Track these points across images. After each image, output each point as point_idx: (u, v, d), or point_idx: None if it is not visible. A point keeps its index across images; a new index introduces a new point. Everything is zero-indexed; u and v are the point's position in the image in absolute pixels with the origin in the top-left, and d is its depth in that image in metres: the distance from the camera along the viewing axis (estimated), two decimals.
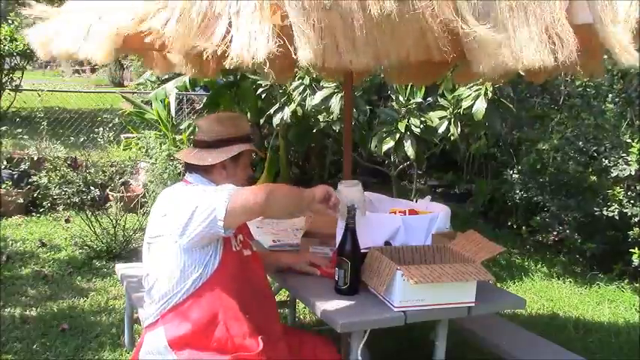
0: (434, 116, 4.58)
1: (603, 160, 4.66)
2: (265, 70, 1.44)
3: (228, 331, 1.90)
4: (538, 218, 5.06)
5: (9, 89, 6.12)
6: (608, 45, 1.71)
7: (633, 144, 4.47)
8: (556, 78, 5.33)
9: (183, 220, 1.84)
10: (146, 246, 2.01)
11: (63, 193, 4.64)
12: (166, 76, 6.39)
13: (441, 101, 4.61)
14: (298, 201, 1.94)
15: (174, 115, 6.24)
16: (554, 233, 4.98)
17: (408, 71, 2.96)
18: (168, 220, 1.90)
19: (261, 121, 5.96)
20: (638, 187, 4.49)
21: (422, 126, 4.47)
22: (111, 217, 4.66)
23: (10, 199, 5.60)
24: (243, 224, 2.20)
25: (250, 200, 1.81)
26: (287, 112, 5.26)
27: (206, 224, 1.82)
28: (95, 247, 4.59)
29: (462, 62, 2.94)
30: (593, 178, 4.77)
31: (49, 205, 4.83)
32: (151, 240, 1.98)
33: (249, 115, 5.85)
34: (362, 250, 2.12)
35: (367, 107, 5.15)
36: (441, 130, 4.54)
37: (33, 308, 3.64)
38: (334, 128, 5.16)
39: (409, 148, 4.41)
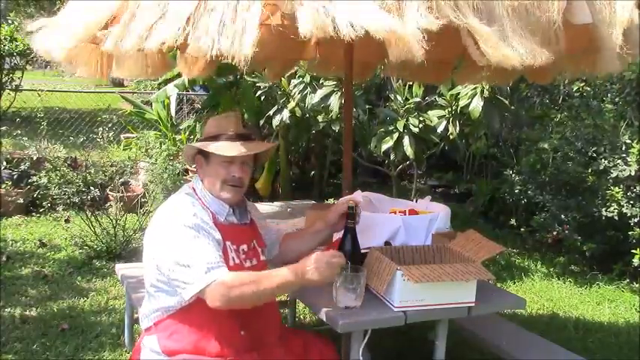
0: (433, 115, 4.58)
1: (602, 160, 4.65)
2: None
3: (221, 347, 1.90)
4: (538, 218, 5.05)
5: (9, 89, 6.11)
6: (604, 47, 1.71)
7: (633, 144, 4.46)
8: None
9: (162, 268, 1.88)
10: (144, 251, 1.99)
11: (63, 193, 4.63)
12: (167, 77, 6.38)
13: (440, 100, 4.61)
14: (286, 290, 2.15)
15: (174, 115, 6.24)
16: (554, 233, 4.98)
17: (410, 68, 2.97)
18: (156, 255, 1.91)
19: (261, 121, 5.95)
20: (637, 188, 4.48)
21: (420, 125, 4.47)
22: (111, 217, 4.66)
23: (10, 199, 5.60)
24: (255, 231, 2.15)
25: (215, 301, 1.79)
26: (286, 112, 5.26)
27: (174, 288, 1.86)
28: (95, 247, 4.58)
29: (463, 62, 2.96)
30: (593, 178, 4.76)
31: (49, 205, 4.82)
32: (146, 255, 1.97)
33: (246, 115, 5.83)
34: (362, 250, 2.12)
35: (367, 107, 5.15)
36: (439, 129, 4.54)
37: (33, 308, 3.63)
38: (334, 128, 5.16)
39: (408, 148, 4.41)
